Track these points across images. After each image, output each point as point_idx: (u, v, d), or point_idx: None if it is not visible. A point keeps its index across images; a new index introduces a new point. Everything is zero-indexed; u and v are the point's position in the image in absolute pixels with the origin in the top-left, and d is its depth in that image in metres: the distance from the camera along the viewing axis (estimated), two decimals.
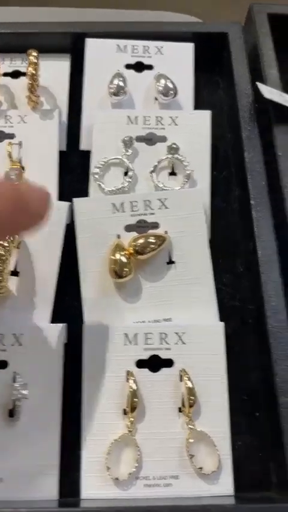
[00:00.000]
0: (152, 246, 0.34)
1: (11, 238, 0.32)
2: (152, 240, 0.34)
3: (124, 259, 0.33)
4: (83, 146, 0.40)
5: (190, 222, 0.35)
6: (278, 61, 0.42)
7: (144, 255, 0.34)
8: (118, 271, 0.33)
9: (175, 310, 0.34)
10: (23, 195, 0.25)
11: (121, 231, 0.35)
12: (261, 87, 0.38)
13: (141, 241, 0.34)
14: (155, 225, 0.35)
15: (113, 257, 0.33)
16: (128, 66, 0.42)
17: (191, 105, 0.41)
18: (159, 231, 0.35)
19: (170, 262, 0.35)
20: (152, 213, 0.35)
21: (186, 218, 0.35)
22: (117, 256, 0.33)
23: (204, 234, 0.35)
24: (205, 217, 0.35)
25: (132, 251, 0.34)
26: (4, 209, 0.24)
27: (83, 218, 0.35)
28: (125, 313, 0.34)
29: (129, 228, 0.35)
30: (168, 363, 0.32)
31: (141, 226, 0.35)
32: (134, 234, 0.35)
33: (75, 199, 0.35)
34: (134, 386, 0.31)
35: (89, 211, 0.35)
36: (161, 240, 0.34)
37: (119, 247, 0.34)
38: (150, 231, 0.35)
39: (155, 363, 0.32)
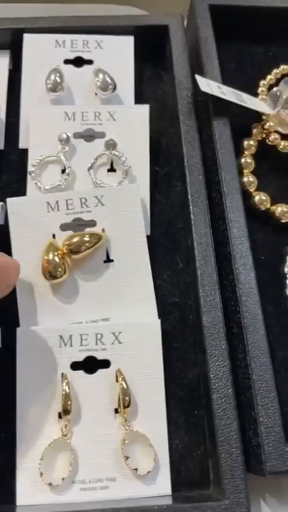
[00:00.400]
0: (87, 244, 0.33)
1: None
2: (86, 238, 0.33)
3: (57, 260, 0.33)
4: (21, 144, 0.39)
5: (127, 219, 0.35)
6: (220, 52, 0.41)
7: (79, 254, 0.33)
8: (52, 272, 0.32)
9: (113, 310, 0.33)
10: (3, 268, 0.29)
11: (57, 231, 0.34)
12: (199, 79, 0.37)
13: (75, 240, 0.33)
14: (92, 223, 0.35)
15: (46, 257, 0.33)
16: (67, 62, 0.41)
17: (132, 99, 0.41)
18: (95, 229, 0.35)
19: (108, 260, 0.34)
20: (89, 211, 0.35)
21: (123, 215, 0.35)
22: (51, 256, 0.33)
23: (141, 230, 0.35)
24: (142, 213, 0.35)
25: (66, 251, 0.33)
26: None
27: (16, 218, 0.34)
28: (61, 314, 0.33)
29: (65, 227, 0.34)
30: (105, 363, 0.32)
31: (78, 225, 0.35)
32: (70, 233, 0.34)
33: (8, 199, 0.35)
34: (67, 389, 0.30)
35: (22, 210, 0.34)
36: (97, 238, 0.34)
37: (52, 247, 0.33)
38: (87, 229, 0.34)
39: (91, 364, 0.32)
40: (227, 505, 0.27)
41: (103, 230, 0.35)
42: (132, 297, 0.34)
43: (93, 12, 0.47)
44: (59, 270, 0.32)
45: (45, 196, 0.35)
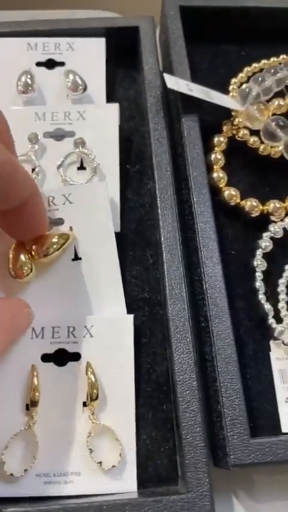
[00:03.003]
0: (55, 246, 0.33)
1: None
2: (55, 240, 0.33)
3: (24, 258, 0.32)
4: None
5: (95, 217, 0.35)
6: (193, 53, 0.42)
7: (47, 256, 0.33)
8: (18, 271, 0.32)
9: (83, 307, 0.33)
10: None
11: None
12: (166, 77, 0.38)
13: (42, 241, 0.32)
14: (60, 221, 0.35)
15: (11, 256, 0.33)
16: (40, 64, 0.42)
17: (104, 99, 0.41)
18: (63, 228, 0.34)
19: (76, 258, 0.34)
20: (57, 209, 0.35)
21: (91, 212, 0.35)
22: (17, 254, 0.32)
23: (109, 227, 0.34)
24: (110, 210, 0.35)
25: (33, 254, 0.32)
26: None
27: None
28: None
29: None
30: (76, 356, 0.32)
31: None
32: None
33: None
34: (36, 381, 0.30)
35: None
36: (65, 238, 0.33)
37: (19, 245, 0.33)
38: (54, 228, 0.34)
39: (62, 357, 0.31)
40: (190, 499, 0.26)
41: (71, 228, 0.35)
42: (101, 294, 0.33)
43: (64, 17, 0.47)
44: (25, 268, 0.32)
45: None
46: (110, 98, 0.42)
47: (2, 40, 0.42)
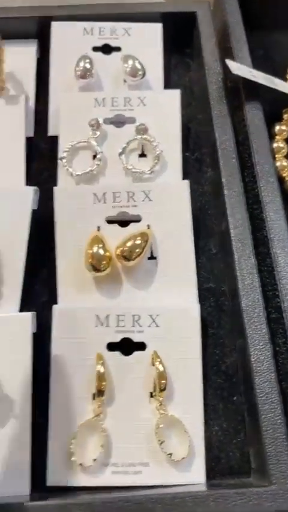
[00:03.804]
0: (138, 250, 0.32)
1: None
2: (138, 241, 0.32)
3: (102, 252, 0.32)
4: (51, 132, 0.39)
5: (175, 216, 0.34)
6: (248, 38, 0.41)
7: (131, 261, 0.32)
8: (96, 265, 0.32)
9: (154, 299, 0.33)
10: None
11: (102, 223, 0.34)
12: (230, 63, 0.37)
13: (128, 244, 0.32)
14: (137, 218, 0.34)
15: (90, 251, 0.32)
16: (96, 49, 0.41)
17: (161, 85, 0.40)
18: (141, 226, 0.33)
19: (152, 257, 0.33)
20: (135, 205, 0.34)
21: (171, 212, 0.34)
22: (95, 249, 0.32)
23: (189, 229, 0.34)
24: (190, 210, 0.34)
25: (119, 257, 0.32)
26: None
27: (62, 208, 0.34)
28: (100, 298, 0.32)
29: (110, 220, 0.34)
30: (141, 346, 0.31)
31: (122, 220, 0.34)
32: (115, 226, 0.34)
33: (55, 188, 0.34)
34: (102, 370, 0.30)
35: (68, 201, 0.34)
36: (145, 239, 0.32)
37: (96, 240, 0.32)
38: (131, 225, 0.33)
39: (127, 346, 0.31)
40: (274, 491, 0.26)
41: (148, 226, 0.34)
42: (174, 293, 0.33)
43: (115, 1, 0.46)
44: (103, 263, 0.32)
45: (92, 187, 0.35)
46: (164, 85, 0.41)
47: (57, 24, 0.41)
